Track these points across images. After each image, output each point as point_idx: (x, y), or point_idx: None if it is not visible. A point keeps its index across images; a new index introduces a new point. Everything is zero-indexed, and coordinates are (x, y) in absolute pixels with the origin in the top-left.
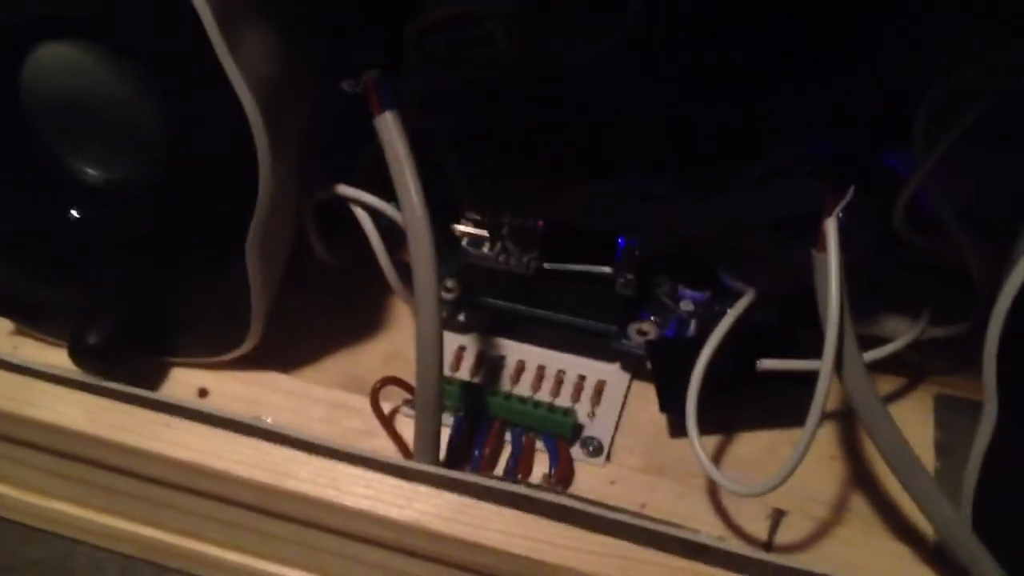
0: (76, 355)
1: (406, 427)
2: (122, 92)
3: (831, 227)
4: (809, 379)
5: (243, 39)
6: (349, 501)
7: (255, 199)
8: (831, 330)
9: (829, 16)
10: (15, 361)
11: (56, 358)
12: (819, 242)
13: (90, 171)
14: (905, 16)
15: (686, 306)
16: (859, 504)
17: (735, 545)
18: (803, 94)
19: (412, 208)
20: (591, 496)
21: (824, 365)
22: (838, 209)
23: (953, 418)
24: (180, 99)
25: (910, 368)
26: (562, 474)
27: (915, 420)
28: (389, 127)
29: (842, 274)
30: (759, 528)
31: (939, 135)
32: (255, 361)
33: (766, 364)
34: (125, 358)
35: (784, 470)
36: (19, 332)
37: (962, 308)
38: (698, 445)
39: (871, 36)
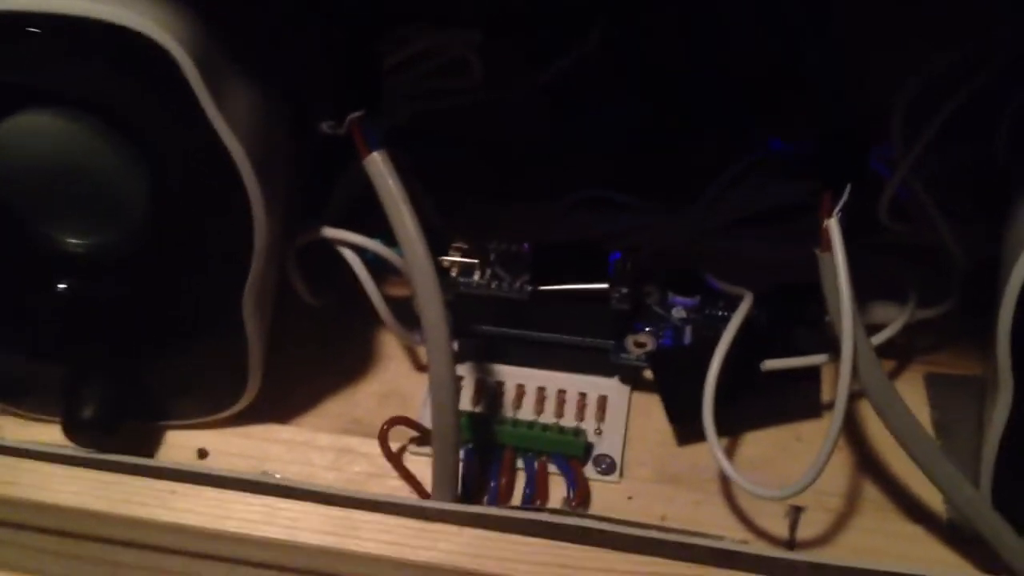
0: (71, 430)
1: (415, 465)
2: (105, 159)
3: (834, 227)
4: (807, 374)
5: (227, 92)
6: (372, 548)
7: (247, 253)
8: (846, 327)
9: (800, 17)
10: (4, 443)
11: (42, 434)
12: (822, 242)
13: (71, 240)
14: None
15: (678, 313)
16: (869, 491)
17: (762, 547)
18: (775, 97)
19: (413, 248)
20: (611, 514)
21: (844, 362)
22: (838, 208)
23: (946, 395)
24: (168, 161)
25: (897, 350)
26: (581, 495)
27: (910, 401)
28: (380, 168)
29: (849, 271)
30: (777, 525)
31: (918, 128)
32: (251, 415)
33: (770, 364)
34: (120, 427)
35: (812, 470)
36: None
37: (937, 287)
38: (720, 453)
39: (840, 37)
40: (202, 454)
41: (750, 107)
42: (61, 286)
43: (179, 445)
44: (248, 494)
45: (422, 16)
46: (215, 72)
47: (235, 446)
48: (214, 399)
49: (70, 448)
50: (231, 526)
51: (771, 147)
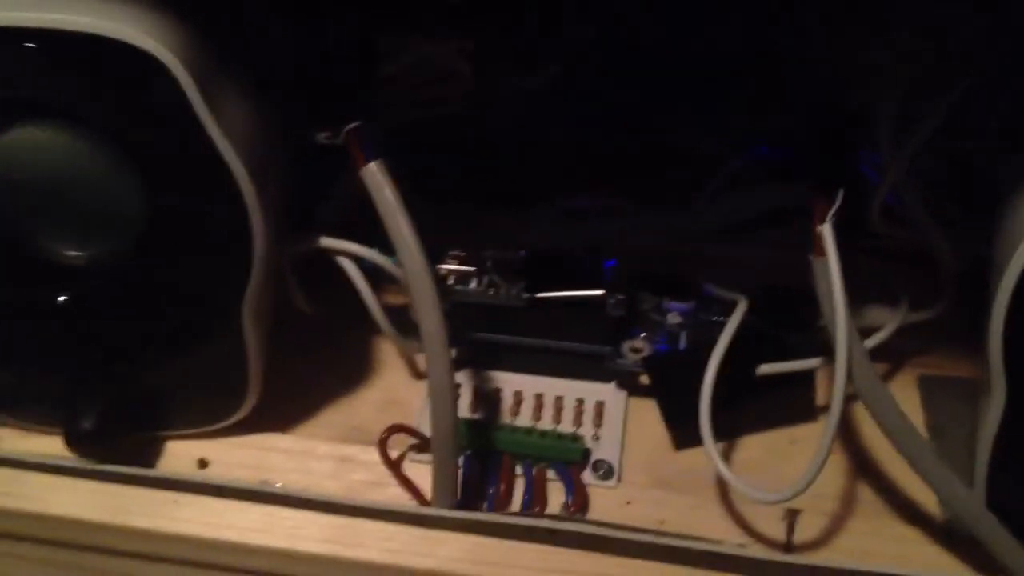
0: (72, 441)
1: (414, 473)
2: (101, 171)
3: (827, 232)
4: (801, 378)
5: (223, 104)
6: (373, 556)
7: (246, 262)
8: (840, 331)
9: (776, 24)
10: (4, 455)
11: (42, 445)
12: (815, 247)
13: (70, 252)
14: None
15: (673, 319)
16: (865, 494)
17: (760, 551)
18: (758, 104)
19: (412, 257)
20: (610, 519)
21: (838, 365)
22: (831, 214)
23: (939, 397)
24: (166, 173)
25: (891, 353)
26: (579, 501)
27: (903, 403)
28: (377, 178)
29: (843, 276)
30: (774, 529)
31: (906, 134)
32: (251, 424)
33: (765, 369)
34: (121, 437)
35: (808, 473)
36: None
37: (930, 290)
38: (717, 457)
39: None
40: (203, 464)
41: (728, 93)
42: (61, 298)
43: (179, 455)
44: (249, 503)
45: (415, 27)
46: (211, 84)
47: (235, 456)
48: (214, 409)
49: (71, 459)
50: (233, 535)
51: (761, 152)
